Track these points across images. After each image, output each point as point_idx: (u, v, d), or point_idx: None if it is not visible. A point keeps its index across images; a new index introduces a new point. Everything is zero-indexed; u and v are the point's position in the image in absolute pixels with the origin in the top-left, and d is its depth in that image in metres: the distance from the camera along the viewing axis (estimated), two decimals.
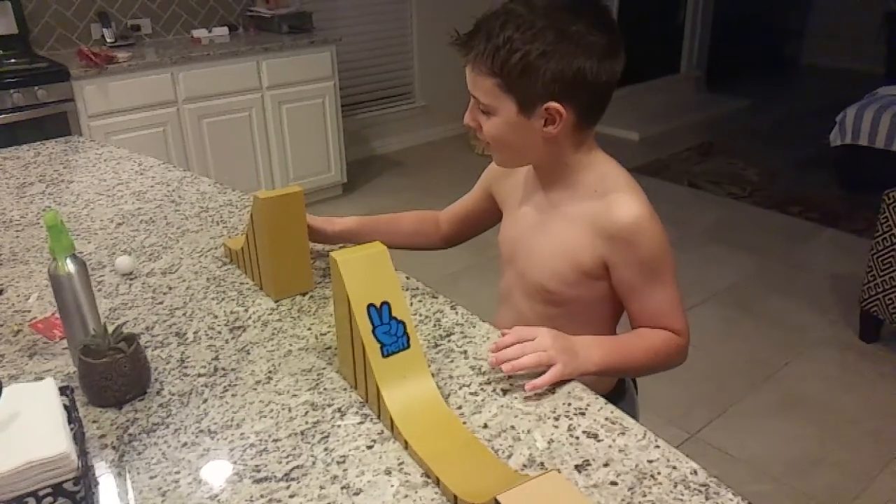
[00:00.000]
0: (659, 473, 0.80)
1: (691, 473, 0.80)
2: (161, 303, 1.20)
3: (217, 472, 0.83)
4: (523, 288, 1.18)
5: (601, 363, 1.01)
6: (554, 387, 0.94)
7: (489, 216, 1.32)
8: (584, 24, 0.98)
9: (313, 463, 0.83)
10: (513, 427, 0.88)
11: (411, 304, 1.17)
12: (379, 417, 0.90)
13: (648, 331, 1.08)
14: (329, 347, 1.06)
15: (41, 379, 0.89)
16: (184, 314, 1.17)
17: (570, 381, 0.96)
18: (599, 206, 1.06)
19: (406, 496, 0.78)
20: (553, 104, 1.00)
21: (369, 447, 0.86)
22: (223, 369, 1.02)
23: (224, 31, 3.83)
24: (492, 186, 1.29)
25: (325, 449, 0.86)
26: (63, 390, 0.87)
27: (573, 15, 0.98)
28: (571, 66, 0.98)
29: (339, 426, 0.89)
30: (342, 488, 0.79)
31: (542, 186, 1.15)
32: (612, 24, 1.01)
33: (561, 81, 0.98)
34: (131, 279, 1.29)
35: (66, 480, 0.75)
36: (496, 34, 0.99)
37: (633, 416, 0.91)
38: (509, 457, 0.83)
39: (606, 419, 0.89)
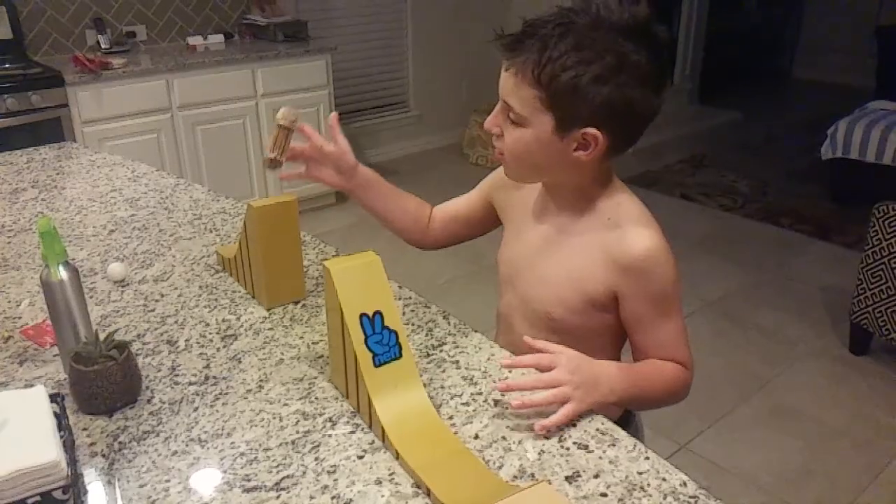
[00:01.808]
0: (649, 485, 0.80)
1: (681, 485, 0.80)
2: (153, 310, 1.20)
3: (207, 480, 0.83)
4: (525, 313, 1.14)
5: (622, 394, 0.97)
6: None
7: (482, 223, 1.28)
8: (645, 55, 0.93)
9: (304, 472, 0.83)
10: (504, 438, 0.88)
11: (404, 313, 1.17)
12: (370, 427, 0.90)
13: (662, 363, 1.05)
14: (321, 356, 1.06)
15: (31, 386, 0.89)
16: (175, 322, 1.16)
17: None
18: (613, 235, 1.03)
19: None
20: (592, 130, 0.95)
21: (360, 457, 0.86)
22: (214, 377, 1.02)
23: (219, 38, 3.83)
24: (493, 195, 1.24)
25: (316, 458, 0.86)
26: (53, 397, 0.87)
27: (636, 43, 0.92)
28: (623, 97, 0.93)
29: (330, 436, 0.89)
30: (332, 498, 0.79)
31: (552, 208, 1.10)
32: (668, 58, 0.97)
33: (609, 110, 0.93)
34: (123, 286, 1.28)
35: (56, 488, 0.75)
36: (552, 45, 0.92)
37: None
38: (500, 467, 0.84)
39: (597, 430, 0.89)
